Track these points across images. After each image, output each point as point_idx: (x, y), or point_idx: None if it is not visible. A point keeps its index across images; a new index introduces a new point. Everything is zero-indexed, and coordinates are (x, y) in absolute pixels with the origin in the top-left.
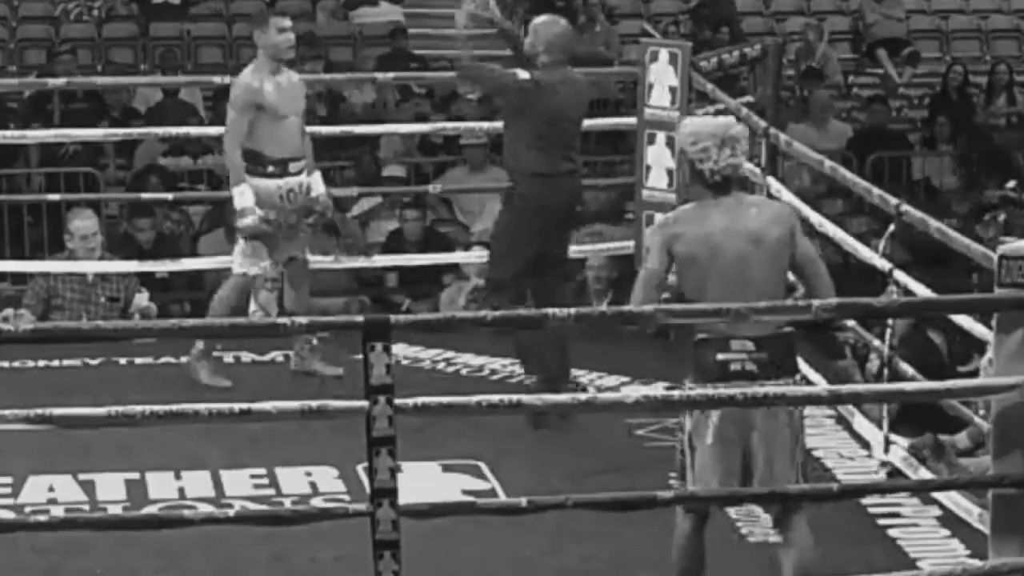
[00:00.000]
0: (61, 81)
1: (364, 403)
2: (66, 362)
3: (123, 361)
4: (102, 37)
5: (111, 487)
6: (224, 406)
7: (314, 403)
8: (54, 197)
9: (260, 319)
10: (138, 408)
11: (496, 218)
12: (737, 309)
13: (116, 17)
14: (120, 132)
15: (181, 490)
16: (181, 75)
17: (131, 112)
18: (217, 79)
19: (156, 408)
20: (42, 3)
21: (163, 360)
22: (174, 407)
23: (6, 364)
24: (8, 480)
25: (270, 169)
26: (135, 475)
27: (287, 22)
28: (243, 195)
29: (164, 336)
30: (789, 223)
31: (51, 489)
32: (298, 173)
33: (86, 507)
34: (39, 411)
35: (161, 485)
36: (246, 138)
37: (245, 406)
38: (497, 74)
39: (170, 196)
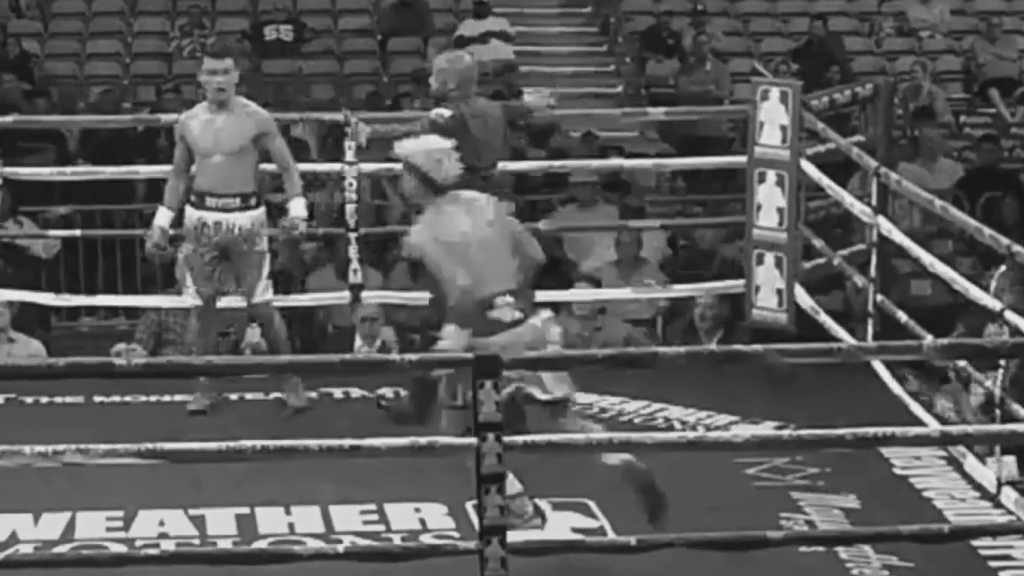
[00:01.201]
0: (172, 117)
1: (473, 440)
2: (177, 397)
3: (234, 396)
4: None
5: (221, 522)
6: (334, 442)
7: (423, 439)
8: None
9: (369, 356)
10: (249, 443)
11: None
12: None
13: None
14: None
15: (291, 525)
16: (293, 112)
17: None
18: (328, 116)
19: (267, 443)
20: (155, 40)
21: (273, 396)
22: (285, 443)
23: (118, 398)
24: (119, 514)
25: (192, 199)
26: (245, 510)
27: (216, 64)
28: (156, 215)
29: (275, 372)
30: (502, 209)
31: (162, 523)
32: (220, 210)
33: (196, 541)
34: (151, 446)
35: (271, 520)
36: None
37: (355, 442)
38: (418, 128)
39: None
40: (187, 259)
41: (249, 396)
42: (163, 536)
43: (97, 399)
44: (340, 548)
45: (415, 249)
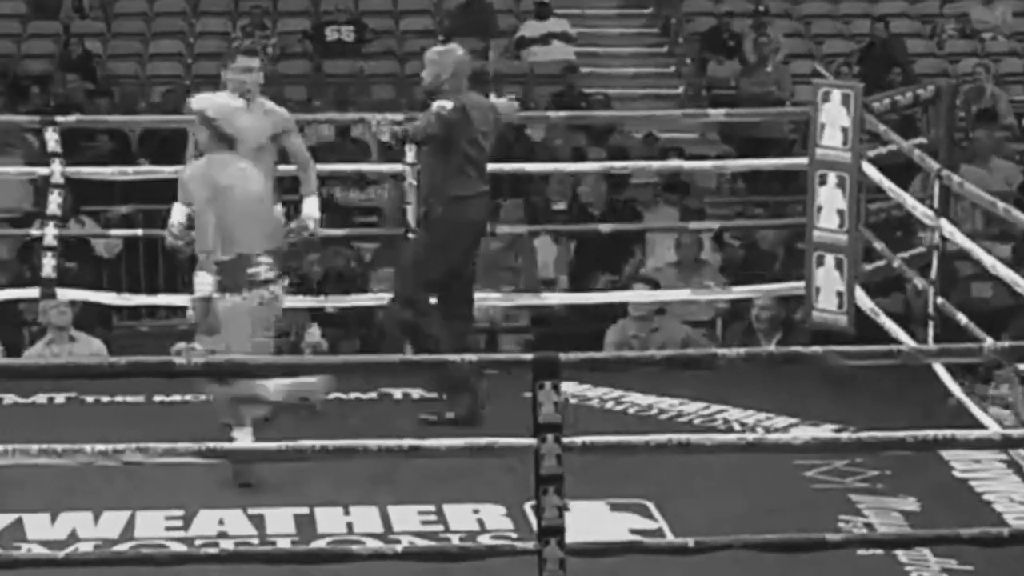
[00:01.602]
0: None
1: (532, 441)
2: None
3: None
4: (276, 74)
5: (280, 521)
6: (393, 442)
7: (482, 440)
8: None
9: (427, 357)
10: (308, 443)
11: (413, 239)
12: None
13: (291, 55)
14: (291, 169)
15: (350, 525)
16: (354, 112)
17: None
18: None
19: (326, 443)
20: (217, 40)
21: (333, 395)
22: (344, 443)
23: (178, 397)
24: (179, 513)
25: None
26: (304, 510)
27: (251, 62)
28: (174, 212)
29: (334, 372)
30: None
31: (221, 523)
32: None
33: (255, 541)
34: (211, 445)
35: (330, 520)
36: None
37: (415, 443)
38: (425, 123)
39: (342, 232)
40: (174, 247)
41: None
42: (222, 535)
43: (157, 398)
44: (398, 548)
45: (187, 184)
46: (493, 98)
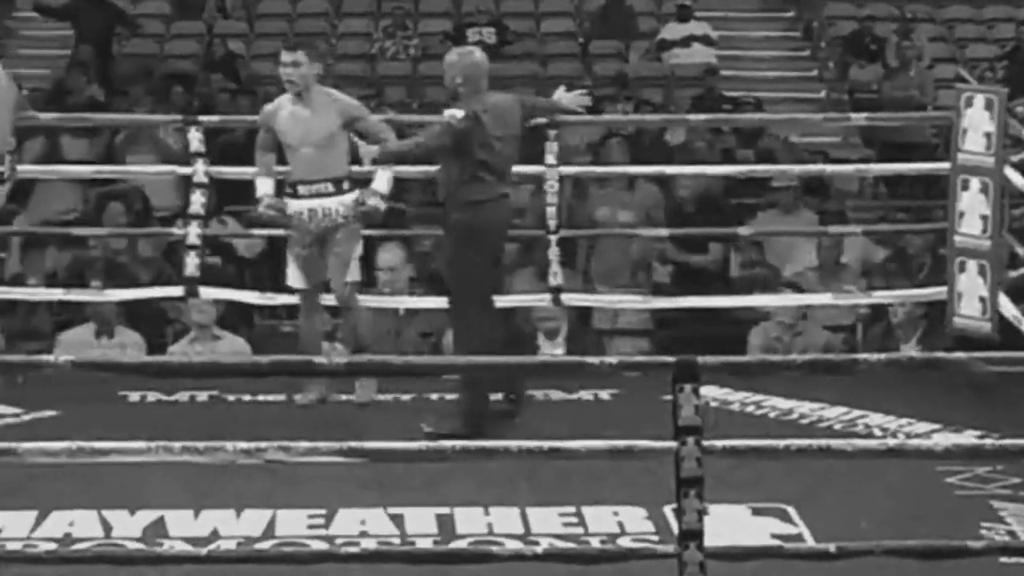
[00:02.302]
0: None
1: (673, 444)
2: (379, 397)
3: (434, 396)
4: (417, 75)
5: (421, 521)
6: (533, 443)
7: (622, 443)
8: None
9: (566, 358)
10: (449, 443)
11: (443, 252)
12: None
13: (432, 56)
14: (432, 170)
15: (490, 526)
16: None
17: None
18: (531, 120)
19: (467, 444)
20: (358, 41)
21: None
22: (485, 443)
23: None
24: (321, 512)
25: (287, 190)
26: (445, 510)
27: (286, 56)
28: (259, 186)
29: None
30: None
31: (362, 522)
32: (314, 196)
33: (396, 540)
34: (352, 444)
35: (470, 520)
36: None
37: (555, 444)
38: (435, 133)
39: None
40: (290, 247)
41: (449, 397)
42: (363, 534)
43: (297, 397)
44: (538, 549)
45: None
46: (560, 92)
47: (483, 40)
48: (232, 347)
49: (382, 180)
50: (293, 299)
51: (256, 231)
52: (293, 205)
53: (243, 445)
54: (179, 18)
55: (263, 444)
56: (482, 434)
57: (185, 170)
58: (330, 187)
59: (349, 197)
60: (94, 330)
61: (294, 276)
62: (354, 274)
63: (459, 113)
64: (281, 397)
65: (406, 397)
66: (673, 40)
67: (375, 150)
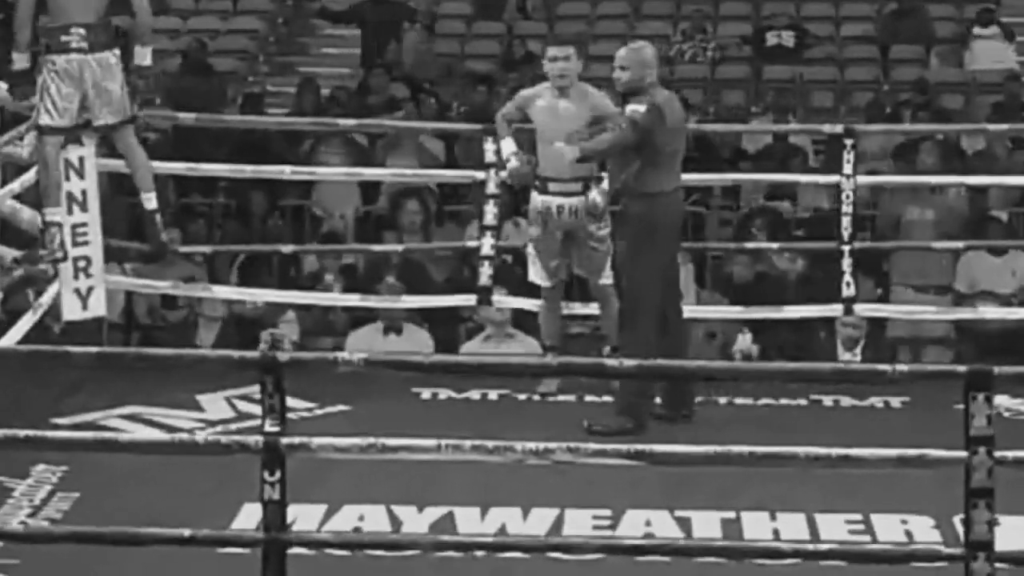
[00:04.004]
0: None
1: (963, 454)
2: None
3: (722, 401)
4: (715, 78)
5: (707, 525)
6: (822, 450)
7: (911, 451)
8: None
9: (860, 365)
10: (736, 448)
11: (619, 247)
12: None
13: (730, 59)
14: (729, 177)
15: (776, 531)
16: (792, 118)
17: (741, 153)
18: (827, 127)
19: (754, 449)
20: (657, 44)
21: (762, 402)
22: (772, 449)
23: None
24: (607, 513)
25: (536, 183)
26: (731, 514)
27: (557, 51)
28: (504, 147)
29: (764, 378)
30: None
31: (648, 523)
32: (563, 194)
33: (682, 543)
34: (639, 447)
35: (757, 525)
36: None
37: (843, 451)
38: (618, 133)
39: (775, 245)
40: (535, 243)
41: (738, 401)
42: (648, 536)
43: (589, 398)
44: (822, 547)
45: None
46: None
47: (782, 43)
48: (524, 347)
49: (568, 149)
50: (586, 309)
51: None
52: (540, 200)
53: (531, 445)
54: (480, 18)
55: (551, 445)
56: (643, 429)
57: (479, 174)
58: (580, 187)
59: (594, 195)
60: (382, 327)
61: (537, 272)
62: (607, 272)
63: (641, 107)
64: (571, 398)
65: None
66: (974, 44)
67: (571, 150)
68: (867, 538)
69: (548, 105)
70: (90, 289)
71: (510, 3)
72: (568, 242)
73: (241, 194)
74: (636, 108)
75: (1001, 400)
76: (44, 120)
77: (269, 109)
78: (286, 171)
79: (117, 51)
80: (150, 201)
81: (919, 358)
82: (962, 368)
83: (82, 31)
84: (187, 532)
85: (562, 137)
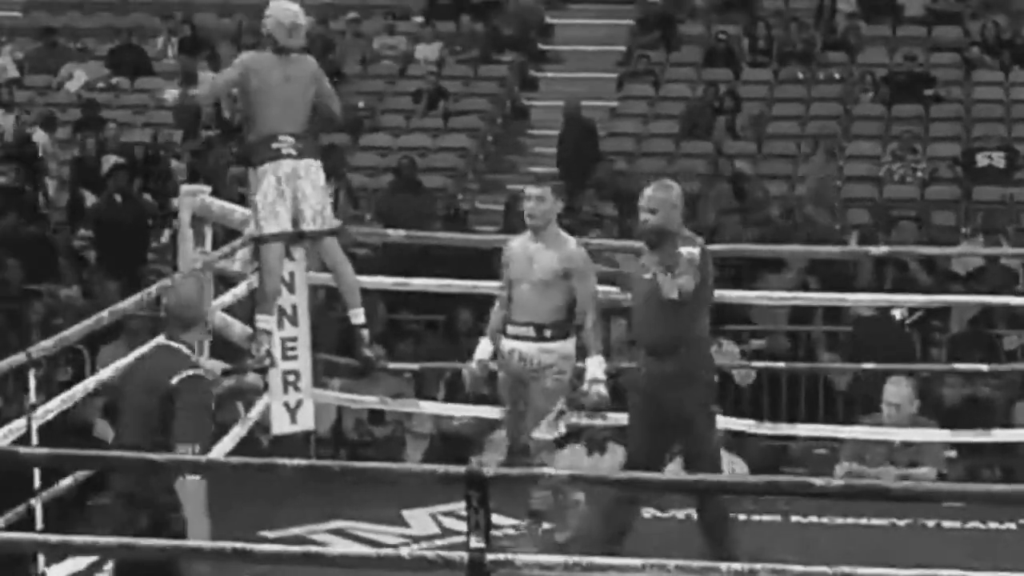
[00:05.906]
0: (883, 250)
1: None
2: (875, 521)
3: (930, 523)
4: (924, 199)
5: None
6: None
7: None
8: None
9: None
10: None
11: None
12: None
13: (940, 179)
14: (946, 298)
15: None
16: (1003, 239)
17: (950, 275)
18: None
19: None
20: (867, 164)
21: (970, 525)
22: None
23: (815, 519)
24: None
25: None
26: None
27: (530, 190)
28: (479, 348)
29: (974, 500)
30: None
31: None
32: (516, 338)
33: None
34: (846, 570)
35: None
36: None
37: None
38: (689, 277)
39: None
40: (499, 386)
41: (945, 524)
42: None
43: (794, 518)
44: None
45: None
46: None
47: (992, 164)
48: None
49: (597, 366)
50: (792, 429)
51: (753, 362)
52: (504, 344)
53: (736, 566)
54: (688, 138)
55: (757, 565)
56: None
57: None
58: (531, 331)
59: (550, 346)
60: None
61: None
62: (549, 432)
63: (695, 251)
64: (777, 518)
65: (901, 522)
66: None
67: (671, 287)
68: None
69: (521, 246)
70: (299, 403)
71: (719, 123)
72: (522, 391)
73: (449, 310)
74: (691, 251)
75: None
76: (264, 229)
77: (477, 226)
78: (493, 287)
79: (319, 162)
80: (357, 316)
81: None
82: None
83: (291, 139)
84: None
85: (527, 279)
